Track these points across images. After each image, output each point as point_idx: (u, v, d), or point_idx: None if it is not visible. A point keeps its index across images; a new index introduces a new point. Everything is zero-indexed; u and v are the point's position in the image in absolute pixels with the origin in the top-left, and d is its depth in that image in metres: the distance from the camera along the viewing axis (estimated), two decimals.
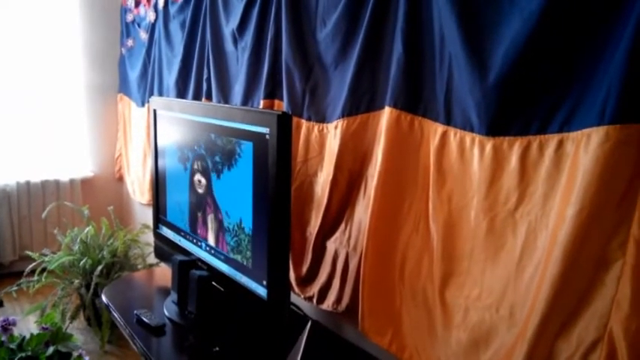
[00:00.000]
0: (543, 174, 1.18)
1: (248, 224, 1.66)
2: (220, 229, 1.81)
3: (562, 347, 1.12)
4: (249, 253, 1.67)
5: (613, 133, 1.00)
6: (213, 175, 1.80)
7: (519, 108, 1.21)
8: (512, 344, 1.23)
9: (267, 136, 1.51)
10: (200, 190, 1.89)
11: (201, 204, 1.90)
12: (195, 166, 1.91)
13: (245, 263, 1.69)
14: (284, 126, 1.49)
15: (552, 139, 1.15)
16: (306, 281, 1.92)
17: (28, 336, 2.05)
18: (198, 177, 1.89)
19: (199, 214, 1.92)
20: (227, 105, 2.29)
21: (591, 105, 1.06)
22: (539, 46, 1.14)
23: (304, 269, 1.91)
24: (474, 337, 1.34)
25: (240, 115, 1.65)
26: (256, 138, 1.57)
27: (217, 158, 1.75)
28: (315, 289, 1.86)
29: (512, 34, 1.17)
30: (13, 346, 1.98)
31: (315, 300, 1.86)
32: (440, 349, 1.44)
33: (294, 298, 1.90)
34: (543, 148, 1.17)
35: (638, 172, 1.00)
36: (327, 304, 1.81)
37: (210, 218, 1.85)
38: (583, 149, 1.06)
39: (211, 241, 1.87)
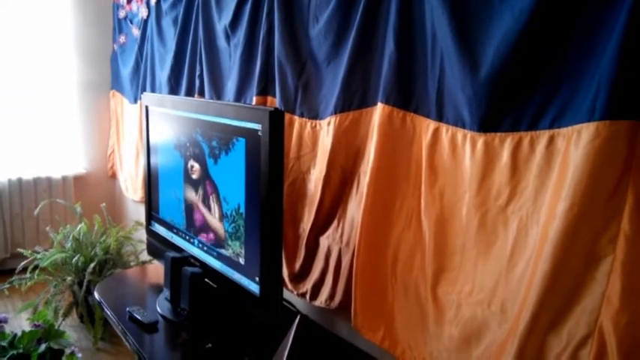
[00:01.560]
0: (534, 170, 1.18)
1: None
2: (220, 213, 1.80)
3: (553, 343, 1.13)
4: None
5: (603, 129, 1.00)
6: (210, 161, 1.79)
7: (510, 104, 1.21)
8: (503, 340, 1.23)
9: (260, 133, 1.51)
10: (194, 176, 1.89)
11: (199, 189, 1.89)
12: (188, 153, 1.90)
13: (241, 251, 1.69)
14: (276, 122, 1.49)
15: (543, 135, 1.16)
16: (299, 277, 1.92)
17: (20, 333, 2.05)
18: (191, 162, 1.89)
19: (197, 198, 1.91)
20: (219, 101, 2.29)
21: (582, 101, 1.07)
22: (530, 42, 1.14)
23: (297, 265, 1.91)
24: (466, 333, 1.34)
25: (233, 111, 1.65)
26: (249, 134, 1.56)
27: (215, 143, 1.75)
28: (308, 285, 1.86)
29: (503, 31, 1.17)
30: (4, 343, 1.98)
31: (308, 296, 1.86)
32: (432, 344, 1.44)
33: (287, 294, 1.90)
34: (534, 144, 1.18)
35: (628, 168, 1.00)
36: (320, 300, 1.81)
37: (212, 198, 1.83)
38: (574, 145, 1.07)
39: (213, 223, 1.85)
